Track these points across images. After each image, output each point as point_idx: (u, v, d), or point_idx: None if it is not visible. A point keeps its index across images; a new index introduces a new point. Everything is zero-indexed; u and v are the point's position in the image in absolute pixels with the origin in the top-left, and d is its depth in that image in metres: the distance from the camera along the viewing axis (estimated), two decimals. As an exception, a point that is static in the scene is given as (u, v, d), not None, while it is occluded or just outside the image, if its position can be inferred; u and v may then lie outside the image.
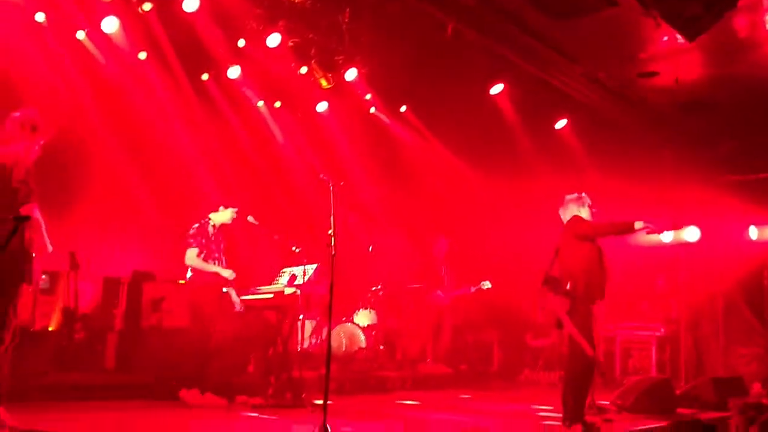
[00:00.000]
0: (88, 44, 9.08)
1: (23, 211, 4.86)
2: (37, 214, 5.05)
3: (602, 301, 8.43)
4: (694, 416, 7.55)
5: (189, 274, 7.72)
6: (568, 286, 6.41)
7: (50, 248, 5.28)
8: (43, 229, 5.16)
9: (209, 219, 7.87)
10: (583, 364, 6.39)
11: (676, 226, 6.72)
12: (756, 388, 10.30)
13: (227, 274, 7.66)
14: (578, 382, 6.45)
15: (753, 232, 11.81)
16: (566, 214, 6.83)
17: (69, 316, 8.06)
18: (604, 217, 6.84)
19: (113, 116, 9.40)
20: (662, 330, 11.87)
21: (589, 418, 6.99)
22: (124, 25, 8.79)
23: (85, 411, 6.23)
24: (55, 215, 8.09)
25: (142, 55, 9.46)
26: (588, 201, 6.84)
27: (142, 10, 8.49)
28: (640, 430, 6.59)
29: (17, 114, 5.22)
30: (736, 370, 11.10)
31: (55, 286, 8.05)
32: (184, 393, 7.01)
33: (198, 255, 7.64)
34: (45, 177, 7.75)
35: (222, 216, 7.91)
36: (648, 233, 6.88)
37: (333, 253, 5.38)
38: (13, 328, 4.95)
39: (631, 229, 6.60)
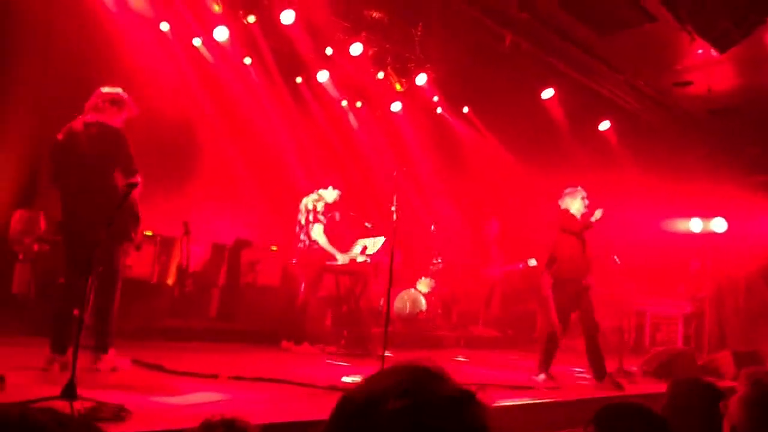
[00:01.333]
0: (203, 50, 9.31)
1: (135, 178, 4.69)
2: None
3: (632, 280, 8.24)
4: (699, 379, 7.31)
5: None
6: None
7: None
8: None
9: (320, 196, 7.70)
10: (549, 331, 6.56)
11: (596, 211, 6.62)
12: (772, 362, 9.89)
13: (341, 259, 7.58)
14: (545, 344, 6.56)
15: (774, 226, 11.32)
16: (563, 203, 6.75)
17: (182, 273, 8.36)
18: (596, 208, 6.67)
19: (222, 111, 9.63)
20: (689, 307, 11.52)
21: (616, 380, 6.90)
22: (233, 34, 8.98)
23: (194, 351, 6.46)
24: (173, 190, 8.47)
25: (247, 60, 9.67)
26: (582, 194, 6.70)
27: (247, 21, 8.69)
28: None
29: (106, 90, 4.94)
30: (756, 345, 10.69)
31: (171, 249, 8.34)
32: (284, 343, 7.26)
33: (323, 231, 7.53)
34: (165, 158, 8.08)
35: (331, 195, 7.74)
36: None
37: (395, 227, 5.40)
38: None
39: (590, 224, 6.56)
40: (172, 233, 8.47)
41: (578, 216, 6.70)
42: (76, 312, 4.01)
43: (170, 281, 8.22)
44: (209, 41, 9.17)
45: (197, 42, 9.24)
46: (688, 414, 2.73)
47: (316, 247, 7.49)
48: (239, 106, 9.85)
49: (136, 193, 4.61)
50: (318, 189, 7.78)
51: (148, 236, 7.59)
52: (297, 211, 7.74)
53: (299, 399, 4.42)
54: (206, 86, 9.40)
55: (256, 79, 9.86)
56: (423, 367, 1.04)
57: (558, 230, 6.69)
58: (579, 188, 6.79)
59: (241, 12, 8.59)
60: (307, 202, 7.66)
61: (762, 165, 11.54)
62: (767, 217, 11.38)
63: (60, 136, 4.78)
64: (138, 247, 5.54)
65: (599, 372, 6.49)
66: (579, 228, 6.60)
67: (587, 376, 6.70)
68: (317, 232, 7.50)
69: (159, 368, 5.04)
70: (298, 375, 5.05)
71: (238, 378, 4.88)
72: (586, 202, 6.71)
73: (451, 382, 1.02)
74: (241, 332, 7.48)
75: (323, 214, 7.59)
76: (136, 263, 7.22)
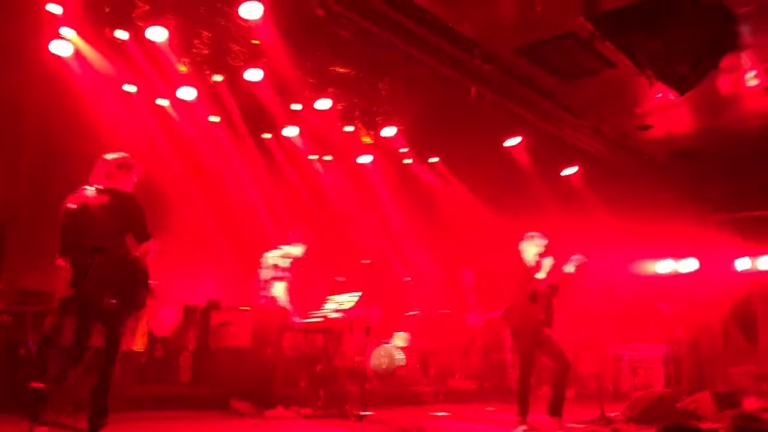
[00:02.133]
0: (170, 109, 9.26)
1: (150, 244, 4.81)
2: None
3: (608, 324, 8.18)
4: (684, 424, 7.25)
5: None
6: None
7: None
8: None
9: (286, 252, 7.49)
10: (527, 373, 6.49)
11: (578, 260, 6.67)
12: (750, 401, 9.88)
13: (296, 319, 7.42)
14: (518, 393, 6.51)
15: (742, 264, 11.46)
16: (521, 248, 6.77)
17: (151, 338, 8.10)
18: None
19: (190, 169, 9.55)
20: (665, 350, 11.52)
21: (598, 428, 6.83)
22: (199, 92, 8.96)
23: (162, 420, 6.20)
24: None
25: (214, 118, 9.64)
26: (538, 241, 6.71)
27: (213, 80, 8.69)
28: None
29: (113, 156, 4.96)
30: (733, 386, 10.68)
31: (140, 314, 8.08)
32: (236, 402, 6.97)
33: (286, 289, 7.33)
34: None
35: (297, 250, 7.53)
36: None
37: (370, 281, 5.31)
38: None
39: (565, 276, 6.59)
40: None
41: (532, 262, 6.69)
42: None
43: (138, 347, 7.95)
44: (176, 101, 9.14)
45: (164, 102, 9.21)
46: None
47: (275, 305, 7.29)
48: (207, 164, 9.78)
49: (148, 259, 4.68)
50: (281, 245, 7.60)
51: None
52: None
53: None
54: (174, 145, 9.33)
55: (224, 137, 9.82)
56: None
57: (510, 277, 6.71)
58: (537, 234, 6.79)
59: (207, 71, 8.59)
60: (270, 257, 7.46)
61: (725, 203, 11.74)
62: (734, 255, 11.52)
63: (72, 204, 4.70)
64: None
65: (556, 408, 6.43)
66: (524, 275, 6.58)
67: (568, 425, 6.58)
68: (279, 290, 7.29)
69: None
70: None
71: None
72: (540, 249, 6.69)
73: None
74: (214, 398, 7.19)
75: (288, 270, 7.41)
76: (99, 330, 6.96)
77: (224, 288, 9.24)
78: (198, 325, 8.45)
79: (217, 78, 8.68)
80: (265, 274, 7.41)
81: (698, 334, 11.92)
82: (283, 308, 7.31)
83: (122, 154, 5.00)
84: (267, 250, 7.81)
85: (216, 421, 6.51)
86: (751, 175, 10.83)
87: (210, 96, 9.10)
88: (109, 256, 4.53)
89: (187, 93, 8.91)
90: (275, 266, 7.39)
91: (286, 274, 7.37)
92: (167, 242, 9.03)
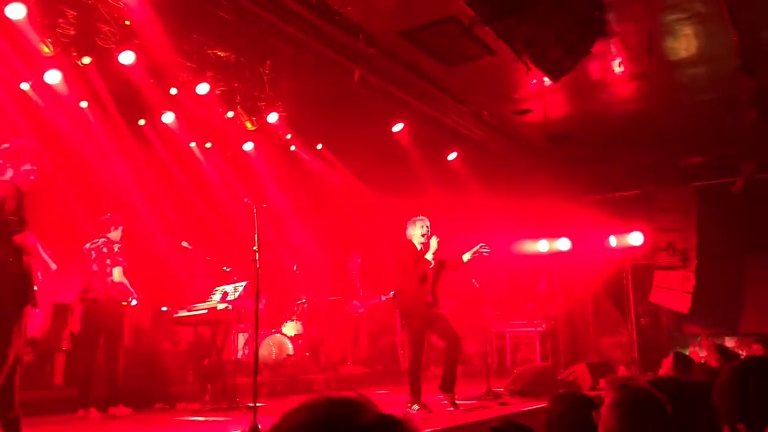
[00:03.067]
0: (32, 94, 8.58)
1: (16, 240, 4.55)
2: (33, 241, 4.73)
3: (491, 304, 8.39)
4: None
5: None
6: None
7: (53, 266, 5.01)
8: (40, 252, 4.85)
9: (110, 239, 7.17)
10: (419, 353, 6.60)
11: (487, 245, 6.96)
12: (621, 370, 10.56)
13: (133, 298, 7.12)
14: (410, 375, 6.63)
15: (612, 241, 12.18)
16: (407, 233, 6.92)
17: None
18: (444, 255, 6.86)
19: (59, 157, 8.90)
20: (543, 326, 12.07)
21: (487, 403, 7.04)
22: (66, 76, 8.36)
23: (36, 425, 5.76)
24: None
25: (83, 103, 9.03)
26: (422, 223, 6.88)
27: (81, 63, 8.12)
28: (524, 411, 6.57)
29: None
30: (605, 356, 11.37)
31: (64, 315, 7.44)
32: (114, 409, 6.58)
33: (122, 273, 7.01)
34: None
35: (117, 234, 7.24)
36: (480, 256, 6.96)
37: (258, 266, 5.17)
38: (17, 347, 4.54)
39: (460, 264, 6.79)
40: (66, 299, 7.59)
41: (418, 245, 6.80)
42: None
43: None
44: (40, 85, 8.48)
45: (25, 86, 8.52)
46: (568, 427, 2.79)
47: (112, 293, 6.95)
48: (78, 152, 9.15)
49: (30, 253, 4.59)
50: (100, 232, 7.25)
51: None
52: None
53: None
54: (39, 132, 8.65)
55: (96, 123, 9.22)
56: (344, 398, 0.94)
57: (399, 261, 6.78)
58: (420, 217, 6.92)
59: (74, 53, 8.00)
60: (96, 246, 7.10)
61: (596, 184, 12.44)
62: (605, 233, 12.23)
63: None
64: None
65: (448, 384, 6.60)
66: (414, 258, 6.68)
67: (459, 401, 6.73)
68: (119, 276, 6.96)
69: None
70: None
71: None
72: (426, 230, 6.82)
73: (374, 410, 0.93)
74: (92, 399, 6.76)
75: (120, 255, 7.08)
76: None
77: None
78: (71, 323, 7.90)
79: (86, 60, 8.11)
80: (95, 264, 7.04)
81: (572, 309, 12.60)
82: (122, 294, 6.99)
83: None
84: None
85: (91, 422, 6.13)
86: (618, 157, 11.52)
87: (79, 80, 8.51)
88: None
89: (52, 76, 8.28)
90: (110, 253, 7.04)
91: (120, 259, 7.07)
92: (36, 235, 8.48)
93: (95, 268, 7.00)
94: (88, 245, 7.15)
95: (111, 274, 6.95)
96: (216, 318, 7.23)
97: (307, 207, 11.57)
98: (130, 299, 7.00)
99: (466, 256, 6.83)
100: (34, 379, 7.22)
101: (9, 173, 4.81)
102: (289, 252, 10.89)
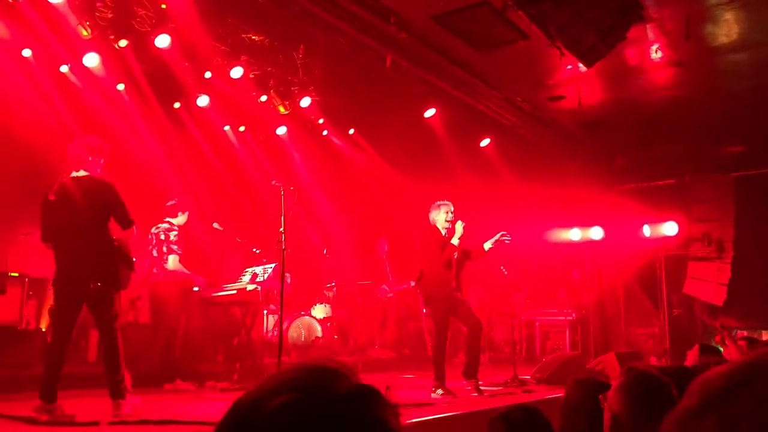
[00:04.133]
0: (71, 76, 8.75)
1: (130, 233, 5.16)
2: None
3: (521, 291, 8.33)
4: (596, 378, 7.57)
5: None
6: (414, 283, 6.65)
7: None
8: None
9: (171, 224, 7.42)
10: (443, 339, 6.60)
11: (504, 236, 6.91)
12: (653, 361, 10.42)
13: (200, 281, 7.41)
14: (434, 360, 6.60)
15: (646, 231, 11.99)
16: (431, 217, 6.89)
17: (55, 315, 7.71)
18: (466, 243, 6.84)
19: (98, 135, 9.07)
20: (574, 315, 11.97)
21: (512, 389, 7.02)
22: (104, 59, 8.50)
23: (70, 398, 5.93)
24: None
25: (120, 86, 9.18)
26: (447, 208, 6.84)
27: (118, 46, 8.25)
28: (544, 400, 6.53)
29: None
30: (636, 347, 11.23)
31: (43, 290, 7.69)
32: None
33: (178, 261, 7.28)
34: (35, 191, 7.51)
35: (182, 219, 7.51)
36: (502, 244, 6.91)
37: (284, 248, 5.23)
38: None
39: (482, 253, 6.74)
40: (43, 273, 7.82)
41: (443, 230, 6.78)
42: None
43: (45, 326, 7.55)
44: (78, 68, 8.64)
45: (64, 69, 8.69)
46: (581, 410, 2.78)
47: (172, 278, 7.18)
48: (115, 133, 9.30)
49: (130, 241, 5.08)
50: (166, 216, 7.45)
51: (14, 277, 6.97)
52: (183, 239, 7.35)
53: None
54: (77, 114, 8.83)
55: (132, 106, 9.36)
56: (323, 366, 0.93)
57: (424, 246, 6.77)
58: (444, 202, 6.90)
59: (112, 37, 8.13)
60: (158, 232, 7.33)
61: (630, 173, 12.24)
62: (639, 222, 12.05)
63: (51, 196, 4.96)
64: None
65: (471, 370, 6.60)
66: (440, 243, 6.67)
67: (483, 387, 6.73)
68: (174, 264, 7.20)
69: (31, 421, 4.56)
70: (186, 414, 4.72)
71: (121, 423, 4.50)
72: (451, 216, 6.80)
73: (353, 379, 0.92)
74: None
75: (176, 243, 7.27)
76: (1, 308, 6.59)
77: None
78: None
79: (122, 43, 8.24)
80: (155, 249, 7.29)
81: (604, 298, 12.46)
82: (182, 279, 7.21)
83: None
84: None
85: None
86: (654, 146, 11.31)
87: (116, 63, 8.65)
88: (90, 241, 4.88)
89: (90, 60, 8.43)
90: (167, 240, 7.26)
91: (176, 248, 7.27)
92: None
93: (154, 253, 7.27)
94: (153, 230, 7.36)
95: (167, 261, 7.18)
96: (245, 299, 7.33)
97: (338, 192, 11.62)
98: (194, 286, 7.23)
99: (487, 245, 6.80)
100: (70, 355, 7.39)
101: (87, 167, 5.11)
102: (320, 236, 10.95)
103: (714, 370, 0.63)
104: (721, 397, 0.60)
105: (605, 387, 2.80)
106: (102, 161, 5.18)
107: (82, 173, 5.04)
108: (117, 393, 4.83)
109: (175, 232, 7.34)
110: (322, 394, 0.86)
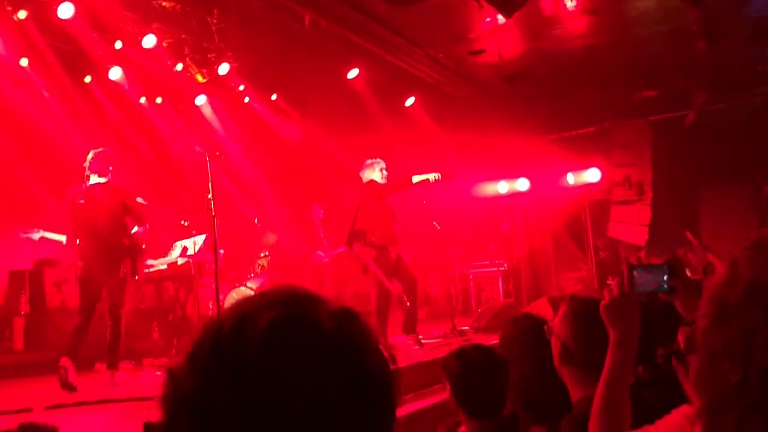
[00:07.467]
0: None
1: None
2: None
3: (454, 246, 8.40)
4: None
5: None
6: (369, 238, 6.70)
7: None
8: None
9: None
10: (386, 297, 6.66)
11: (447, 174, 7.06)
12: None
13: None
14: (383, 312, 6.63)
15: (570, 179, 12.33)
16: (364, 176, 6.93)
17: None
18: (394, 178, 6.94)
19: (1, 123, 8.58)
20: (506, 265, 12.25)
21: (451, 340, 7.15)
22: (2, 33, 7.99)
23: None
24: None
25: (24, 61, 8.67)
26: (380, 165, 6.94)
27: (17, 17, 7.75)
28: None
29: (98, 151, 6.11)
30: (566, 291, 11.62)
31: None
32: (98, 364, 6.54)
33: None
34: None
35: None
36: (427, 184, 7.01)
37: (213, 214, 5.11)
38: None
39: (409, 183, 6.83)
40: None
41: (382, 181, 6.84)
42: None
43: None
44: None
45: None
46: (521, 346, 2.84)
47: None
48: (22, 115, 8.82)
49: (143, 238, 5.98)
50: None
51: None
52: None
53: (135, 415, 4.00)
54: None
55: (39, 82, 8.87)
56: (298, 289, 0.91)
57: (367, 199, 6.78)
58: (375, 159, 6.95)
59: (8, 7, 7.63)
60: None
61: (553, 124, 12.50)
62: (563, 172, 12.37)
63: (80, 200, 5.78)
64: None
65: (410, 325, 6.73)
66: (387, 192, 6.73)
67: (424, 340, 6.83)
68: None
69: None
70: (124, 392, 4.60)
71: (57, 407, 4.34)
72: (385, 172, 6.86)
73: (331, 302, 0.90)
74: (54, 361, 6.68)
75: None
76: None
77: (57, 246, 8.51)
78: (29, 288, 7.75)
79: (21, 15, 7.74)
80: None
81: (534, 248, 12.80)
82: None
83: (103, 149, 6.17)
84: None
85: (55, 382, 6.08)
86: (574, 95, 11.56)
87: (16, 36, 8.14)
88: (111, 238, 5.73)
89: (-14, 34, 7.91)
90: None
91: None
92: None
93: None
94: None
95: None
96: (177, 273, 7.16)
97: (266, 160, 11.42)
98: None
99: (416, 178, 6.84)
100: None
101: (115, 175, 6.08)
102: (250, 206, 10.77)
103: (722, 278, 0.65)
104: (738, 306, 0.62)
105: (540, 323, 2.86)
106: (115, 169, 6.08)
107: (103, 179, 5.88)
108: (113, 365, 5.74)
109: None
110: (311, 310, 0.85)
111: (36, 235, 6.68)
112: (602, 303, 1.89)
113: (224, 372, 0.80)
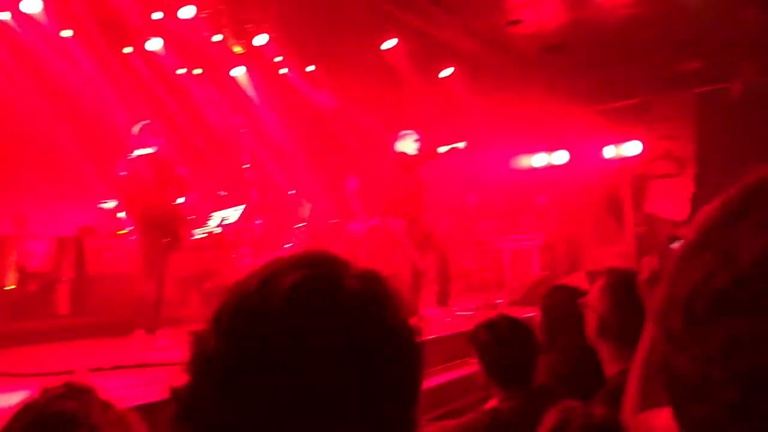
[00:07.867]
0: (12, 23, 8.34)
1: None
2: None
3: (489, 219, 8.30)
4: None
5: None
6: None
7: None
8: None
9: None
10: (417, 270, 6.66)
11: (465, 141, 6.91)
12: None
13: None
14: (415, 284, 6.65)
15: (610, 151, 12.10)
16: (397, 148, 6.86)
17: (23, 273, 7.57)
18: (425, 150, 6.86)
19: (44, 89, 8.74)
20: (541, 239, 12.12)
21: (485, 312, 7.12)
22: (46, 4, 8.10)
23: (43, 352, 5.87)
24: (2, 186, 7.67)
25: (67, 33, 8.79)
26: (414, 137, 6.85)
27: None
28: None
29: (141, 124, 6.03)
30: (604, 265, 11.45)
31: (4, 248, 7.51)
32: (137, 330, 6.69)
33: None
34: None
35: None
36: (456, 152, 6.90)
37: (251, 183, 5.19)
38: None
39: (436, 154, 6.74)
40: (4, 231, 7.65)
41: (414, 152, 6.79)
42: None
43: (9, 284, 7.41)
44: (18, 14, 8.23)
45: (5, 16, 8.27)
46: (559, 318, 2.81)
47: None
48: (63, 84, 8.96)
49: (188, 208, 6.14)
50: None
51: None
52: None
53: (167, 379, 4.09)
54: (21, 65, 8.47)
55: (81, 53, 9.00)
56: (325, 251, 0.91)
57: (396, 172, 6.74)
58: (409, 131, 6.88)
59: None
60: None
61: (593, 96, 12.23)
62: (603, 145, 12.14)
63: (125, 172, 5.82)
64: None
65: (443, 298, 6.72)
66: (415, 163, 6.68)
67: (457, 313, 6.83)
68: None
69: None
70: (161, 357, 4.71)
71: (96, 370, 4.46)
72: (418, 144, 6.80)
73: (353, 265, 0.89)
74: (96, 326, 6.87)
75: None
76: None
77: (97, 213, 8.69)
78: (73, 254, 7.94)
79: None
80: None
81: (571, 221, 12.64)
82: None
83: (146, 122, 6.11)
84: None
85: (96, 346, 6.26)
86: (615, 67, 11.27)
87: (59, 8, 8.26)
88: (160, 207, 5.85)
89: (31, 5, 8.03)
90: None
91: None
92: (27, 170, 8.43)
93: None
94: None
95: None
96: (215, 242, 7.26)
97: (302, 131, 11.43)
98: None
99: (442, 149, 6.76)
100: (38, 310, 7.33)
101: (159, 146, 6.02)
102: (286, 176, 10.83)
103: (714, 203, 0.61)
104: (718, 228, 0.57)
105: (580, 294, 2.82)
106: (162, 141, 6.08)
107: (148, 151, 5.89)
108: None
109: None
110: (336, 270, 0.85)
111: (110, 205, 7.38)
112: (640, 276, 1.85)
113: (247, 331, 0.80)
